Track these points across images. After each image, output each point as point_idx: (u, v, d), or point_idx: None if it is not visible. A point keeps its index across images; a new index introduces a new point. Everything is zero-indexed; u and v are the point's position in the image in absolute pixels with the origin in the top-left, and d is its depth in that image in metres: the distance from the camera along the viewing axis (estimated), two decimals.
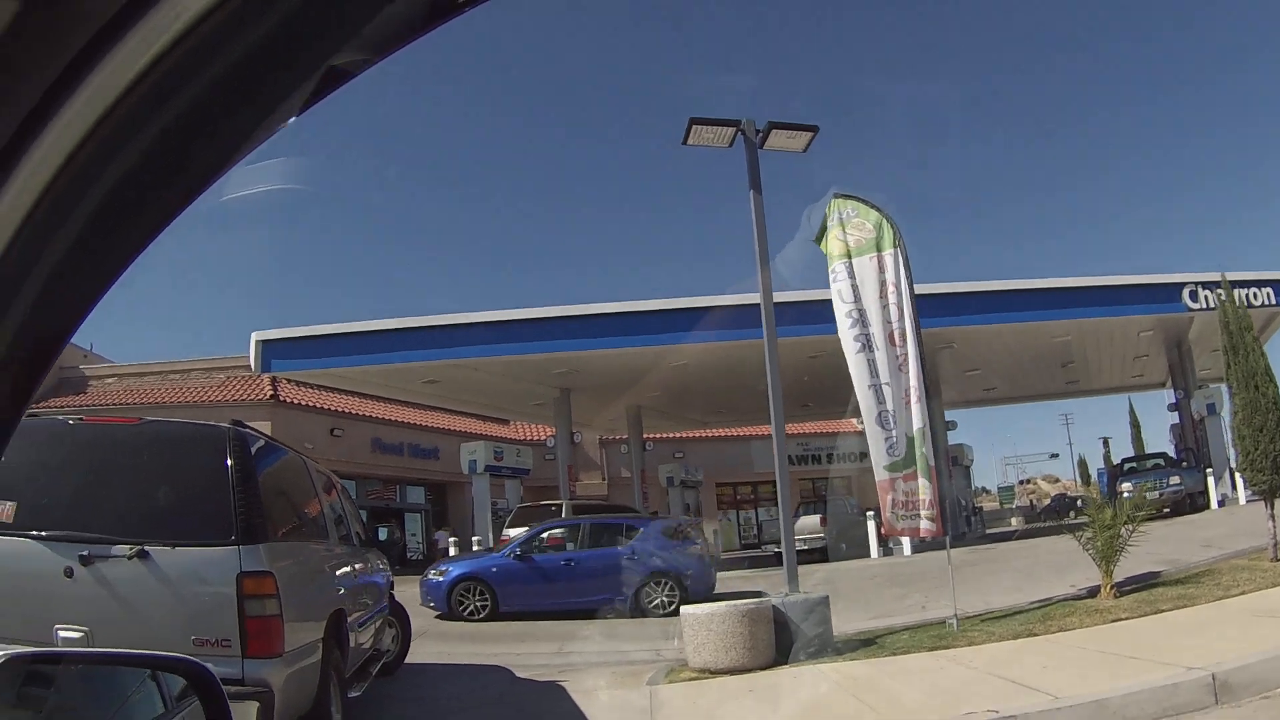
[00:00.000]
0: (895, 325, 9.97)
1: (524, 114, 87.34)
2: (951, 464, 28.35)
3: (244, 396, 29.52)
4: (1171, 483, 23.81)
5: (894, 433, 9.76)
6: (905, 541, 21.75)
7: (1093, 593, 10.87)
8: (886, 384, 9.81)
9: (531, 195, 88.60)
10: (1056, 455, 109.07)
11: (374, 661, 8.25)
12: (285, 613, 5.19)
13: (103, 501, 5.37)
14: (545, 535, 16.00)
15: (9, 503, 5.11)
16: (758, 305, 21.44)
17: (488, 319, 22.21)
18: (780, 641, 8.87)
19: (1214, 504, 23.73)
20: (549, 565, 15.10)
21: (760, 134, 10.43)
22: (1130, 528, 10.91)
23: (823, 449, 41.20)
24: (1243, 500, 23.68)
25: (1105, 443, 64.61)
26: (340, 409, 31.59)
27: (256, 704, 4.85)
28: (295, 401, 30.13)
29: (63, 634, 4.91)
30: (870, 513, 23.27)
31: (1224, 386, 27.94)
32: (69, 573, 5.03)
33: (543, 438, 31.93)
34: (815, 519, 25.14)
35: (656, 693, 8.08)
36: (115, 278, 0.91)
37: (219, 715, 1.73)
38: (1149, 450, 41.61)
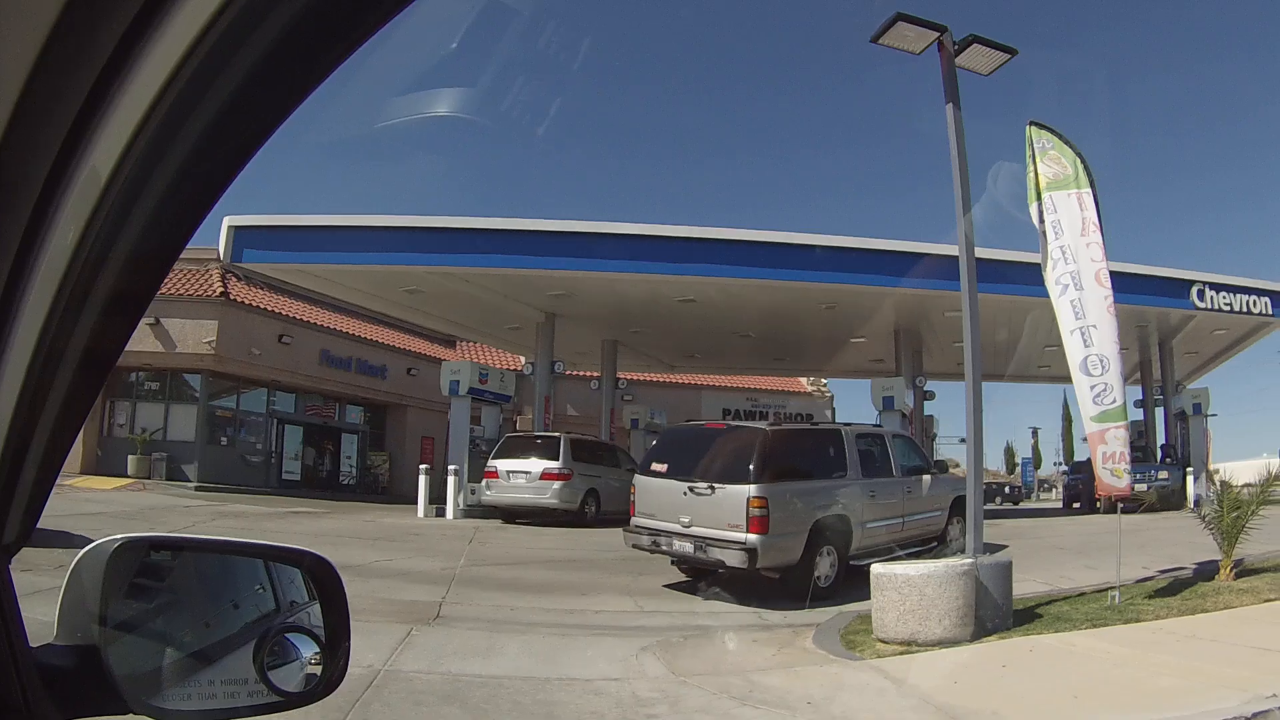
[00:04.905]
0: (1100, 265, 9.14)
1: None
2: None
3: (189, 291, 26.67)
4: (1160, 477, 23.91)
5: (1105, 379, 8.93)
6: None
7: (1208, 574, 10.51)
8: (1094, 326, 8.95)
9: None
10: None
11: (902, 546, 11.74)
12: (771, 515, 9.81)
13: (703, 463, 10.54)
14: None
15: (665, 463, 11.00)
16: (786, 245, 20.78)
17: (490, 225, 20.36)
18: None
19: (1190, 504, 23.94)
20: None
21: (957, 46, 9.40)
22: (1254, 510, 10.58)
23: (770, 406, 40.66)
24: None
25: (1034, 433, 66.74)
26: (291, 314, 29.33)
27: (745, 553, 9.67)
28: (245, 302, 27.68)
29: (681, 519, 10.37)
30: None
31: (1209, 387, 28.72)
32: (684, 494, 10.39)
33: (505, 366, 30.45)
34: None
35: (881, 667, 6.87)
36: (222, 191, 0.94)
37: (336, 609, 1.62)
38: (1077, 446, 42.71)
